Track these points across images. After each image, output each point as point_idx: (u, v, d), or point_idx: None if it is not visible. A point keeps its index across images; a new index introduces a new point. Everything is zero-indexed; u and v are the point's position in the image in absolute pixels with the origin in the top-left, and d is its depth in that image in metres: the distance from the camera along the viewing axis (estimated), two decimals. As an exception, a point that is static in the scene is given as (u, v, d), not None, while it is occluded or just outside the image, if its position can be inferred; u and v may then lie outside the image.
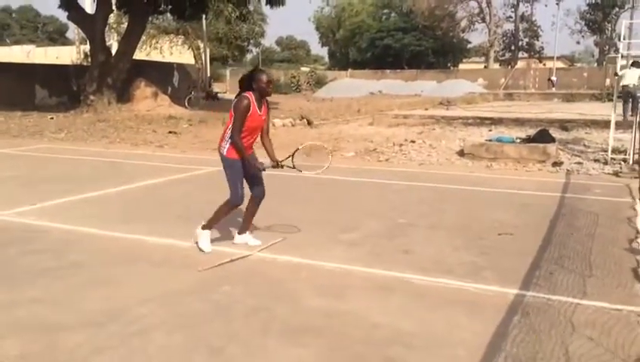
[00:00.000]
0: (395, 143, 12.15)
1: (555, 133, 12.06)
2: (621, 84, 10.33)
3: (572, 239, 5.19)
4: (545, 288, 3.93)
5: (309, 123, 16.65)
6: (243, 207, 4.86)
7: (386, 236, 5.33)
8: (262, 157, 4.82)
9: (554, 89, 37.64)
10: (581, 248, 4.89)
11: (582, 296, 3.79)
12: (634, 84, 10.56)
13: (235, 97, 4.65)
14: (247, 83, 4.63)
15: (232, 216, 5.04)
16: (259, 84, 4.57)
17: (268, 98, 4.73)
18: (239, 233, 5.01)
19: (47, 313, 3.52)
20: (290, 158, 4.78)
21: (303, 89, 45.03)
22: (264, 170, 4.72)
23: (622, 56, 11.10)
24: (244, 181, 4.74)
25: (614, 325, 3.35)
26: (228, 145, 4.62)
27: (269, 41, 79.57)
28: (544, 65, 49.31)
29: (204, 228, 4.81)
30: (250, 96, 4.55)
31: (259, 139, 4.78)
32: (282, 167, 4.76)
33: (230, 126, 4.57)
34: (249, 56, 62.74)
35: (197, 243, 4.80)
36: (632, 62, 10.10)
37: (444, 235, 5.34)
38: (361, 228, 5.59)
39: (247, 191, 4.76)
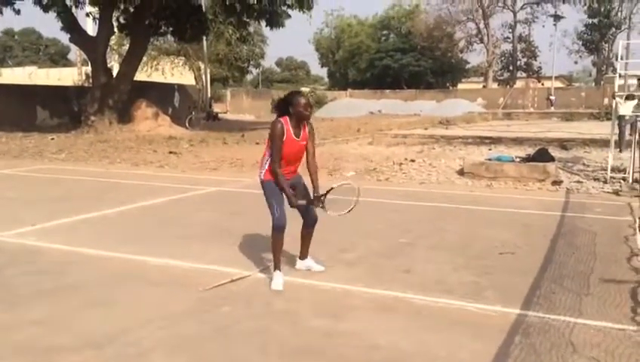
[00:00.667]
0: (395, 162, 12.18)
1: (554, 152, 12.10)
2: (617, 114, 10.52)
3: (573, 258, 5.17)
4: (545, 307, 3.91)
5: (324, 207, 16.61)
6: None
7: (386, 255, 5.31)
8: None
9: (552, 108, 37.86)
10: (582, 267, 4.88)
11: (581, 315, 3.77)
12: (629, 116, 10.75)
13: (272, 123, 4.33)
14: (282, 107, 4.34)
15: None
16: (296, 108, 4.25)
17: (308, 121, 4.40)
18: (300, 258, 4.80)
19: (46, 335, 3.50)
20: (325, 196, 4.43)
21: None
22: (298, 207, 4.40)
23: (620, 76, 11.19)
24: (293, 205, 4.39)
25: (615, 345, 3.32)
26: (264, 170, 4.36)
27: (269, 62, 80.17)
28: (542, 84, 49.69)
29: (274, 269, 4.46)
30: (284, 121, 4.26)
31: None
32: (318, 205, 4.42)
33: (267, 153, 4.32)
34: (249, 77, 63.23)
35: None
36: (626, 96, 10.27)
37: (444, 255, 5.33)
38: (360, 247, 5.58)
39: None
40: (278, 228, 4.33)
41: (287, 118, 4.28)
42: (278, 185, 4.32)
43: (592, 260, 5.09)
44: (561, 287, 4.35)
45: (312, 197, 4.44)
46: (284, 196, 4.36)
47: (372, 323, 3.68)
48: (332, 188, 4.45)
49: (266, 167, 4.35)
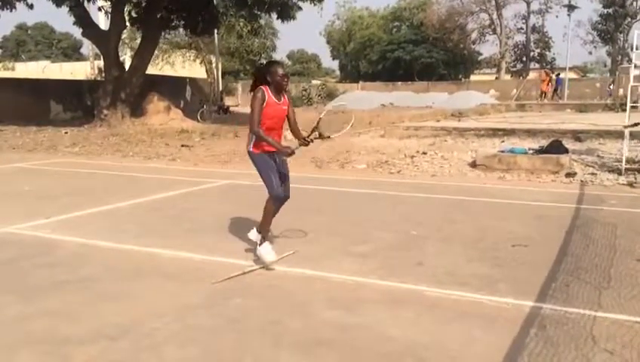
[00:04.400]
0: (407, 155, 12.12)
1: (568, 143, 11.96)
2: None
3: (588, 251, 5.12)
4: (561, 300, 3.87)
5: (321, 135, 16.64)
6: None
7: (399, 248, 5.30)
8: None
9: (559, 99, 37.05)
10: (598, 260, 4.82)
11: (600, 308, 3.73)
12: None
13: (250, 92, 4.54)
14: (261, 76, 4.48)
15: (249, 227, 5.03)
16: (273, 77, 4.41)
17: (285, 90, 4.54)
18: (256, 229, 4.82)
19: (61, 326, 3.53)
20: (316, 131, 4.64)
21: (314, 102, 45.19)
22: (293, 152, 4.52)
23: (635, 66, 11.01)
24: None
25: (635, 338, 3.28)
26: (252, 141, 4.52)
27: (280, 55, 79.95)
28: (557, 75, 49.09)
29: (261, 242, 4.58)
30: (265, 88, 4.42)
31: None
32: (311, 141, 4.65)
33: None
34: (260, 70, 63.06)
35: (259, 258, 4.57)
36: None
37: (457, 247, 5.30)
38: (373, 240, 5.56)
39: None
40: (277, 199, 4.52)
41: (267, 86, 4.43)
42: (267, 152, 4.48)
43: (607, 252, 5.03)
44: (578, 280, 4.29)
45: (297, 145, 4.61)
46: (276, 159, 4.55)
47: (385, 316, 3.68)
48: (320, 119, 4.70)
49: (254, 139, 4.50)
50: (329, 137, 4.88)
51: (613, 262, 4.74)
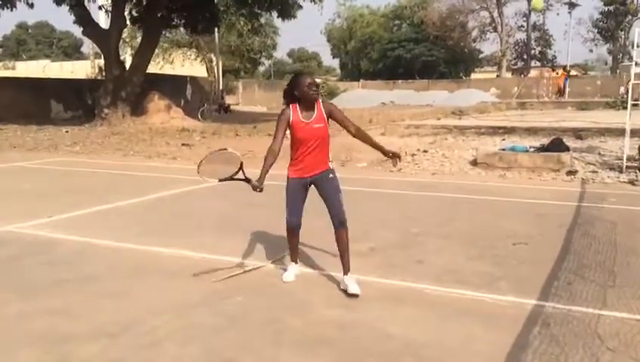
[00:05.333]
0: (408, 153, 12.10)
1: (569, 141, 11.94)
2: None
3: (590, 249, 5.11)
4: (565, 299, 3.86)
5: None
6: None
7: (399, 246, 5.30)
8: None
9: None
10: (600, 257, 4.82)
11: (604, 306, 3.71)
12: None
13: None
14: (290, 94, 4.02)
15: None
16: (300, 88, 3.93)
17: (321, 101, 4.05)
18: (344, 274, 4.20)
19: (62, 324, 3.54)
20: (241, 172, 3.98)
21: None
22: (259, 189, 3.93)
23: (636, 64, 10.99)
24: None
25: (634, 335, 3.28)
26: (289, 165, 4.14)
27: (280, 53, 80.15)
28: (557, 73, 49.02)
29: (291, 261, 4.45)
30: (293, 107, 3.99)
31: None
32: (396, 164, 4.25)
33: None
34: (261, 69, 63.14)
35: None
36: None
37: (457, 245, 5.30)
38: (373, 237, 5.56)
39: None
40: (288, 225, 4.24)
41: (297, 104, 4.00)
42: (296, 177, 4.07)
43: (612, 251, 5.01)
44: (581, 278, 4.28)
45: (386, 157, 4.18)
46: (313, 183, 4.11)
47: (385, 314, 3.68)
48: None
49: (290, 162, 4.13)
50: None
51: (617, 261, 4.73)
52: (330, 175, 4.14)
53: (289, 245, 4.41)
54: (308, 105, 3.99)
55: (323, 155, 4.08)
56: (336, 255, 4.24)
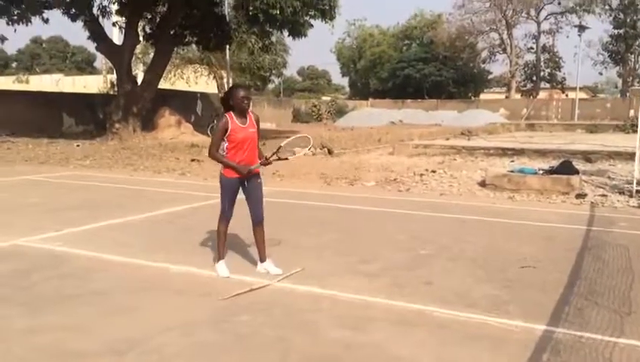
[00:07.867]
0: (416, 173, 12.11)
1: (578, 164, 11.91)
2: None
3: (602, 274, 5.06)
4: (576, 325, 3.80)
5: (330, 152, 16.70)
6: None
7: (407, 267, 5.28)
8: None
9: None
10: (611, 282, 4.77)
11: (619, 334, 3.64)
12: None
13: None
14: (225, 103, 4.71)
15: (250, 248, 5.04)
16: (235, 100, 4.62)
17: (253, 114, 4.77)
18: (260, 261, 5.03)
19: (69, 340, 3.54)
20: (276, 153, 4.93)
21: (323, 118, 45.38)
22: (251, 171, 4.80)
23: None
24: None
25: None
26: (222, 166, 4.81)
27: (290, 71, 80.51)
28: (567, 95, 49.01)
29: (217, 259, 4.97)
30: (229, 115, 4.65)
31: None
32: (270, 162, 4.92)
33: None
34: (271, 86, 63.55)
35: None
36: None
37: (466, 267, 5.27)
38: (381, 258, 5.55)
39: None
40: (223, 217, 4.88)
41: (232, 112, 4.66)
42: (233, 177, 4.75)
43: (626, 276, 4.94)
44: (593, 304, 4.22)
45: (258, 164, 4.83)
46: (245, 184, 4.83)
47: (393, 336, 3.65)
48: (280, 147, 4.94)
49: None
50: (287, 159, 5.36)
51: (632, 286, 4.66)
52: (259, 180, 4.95)
53: (219, 240, 4.91)
54: (241, 113, 4.68)
55: (254, 156, 4.83)
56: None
